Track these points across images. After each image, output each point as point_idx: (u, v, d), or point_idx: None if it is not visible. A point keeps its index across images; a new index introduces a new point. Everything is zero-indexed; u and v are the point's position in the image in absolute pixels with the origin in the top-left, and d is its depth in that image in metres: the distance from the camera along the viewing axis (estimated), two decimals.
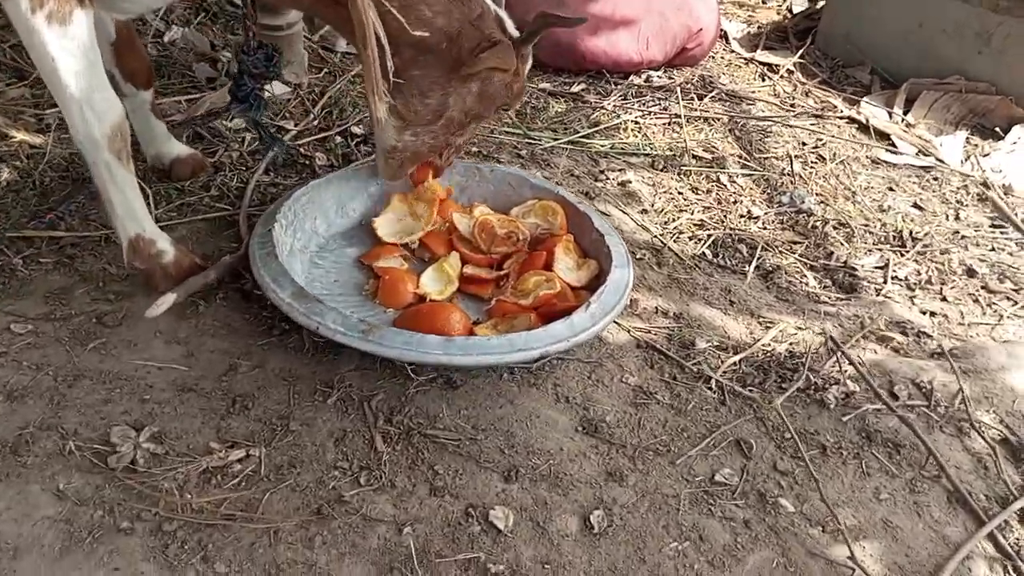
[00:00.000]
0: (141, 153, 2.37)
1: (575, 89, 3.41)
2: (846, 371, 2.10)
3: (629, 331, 2.17)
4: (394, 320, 2.05)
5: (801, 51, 3.87)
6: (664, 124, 3.25)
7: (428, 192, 2.33)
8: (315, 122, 2.78)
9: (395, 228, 2.30)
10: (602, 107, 3.30)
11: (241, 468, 1.67)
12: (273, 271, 1.95)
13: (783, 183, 2.97)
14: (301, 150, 2.62)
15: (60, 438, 1.66)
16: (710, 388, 2.02)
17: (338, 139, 2.72)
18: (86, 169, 2.35)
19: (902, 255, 2.67)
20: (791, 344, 2.18)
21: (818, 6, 4.28)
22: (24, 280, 2.04)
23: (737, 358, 2.10)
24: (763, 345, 2.17)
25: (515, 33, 2.05)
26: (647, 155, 3.03)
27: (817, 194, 2.93)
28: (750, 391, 2.01)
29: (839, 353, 2.12)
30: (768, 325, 2.26)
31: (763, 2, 4.49)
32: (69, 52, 1.71)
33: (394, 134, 2.10)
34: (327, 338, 1.86)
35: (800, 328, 2.25)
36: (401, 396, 1.89)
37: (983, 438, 1.95)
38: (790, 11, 4.37)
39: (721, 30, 3.88)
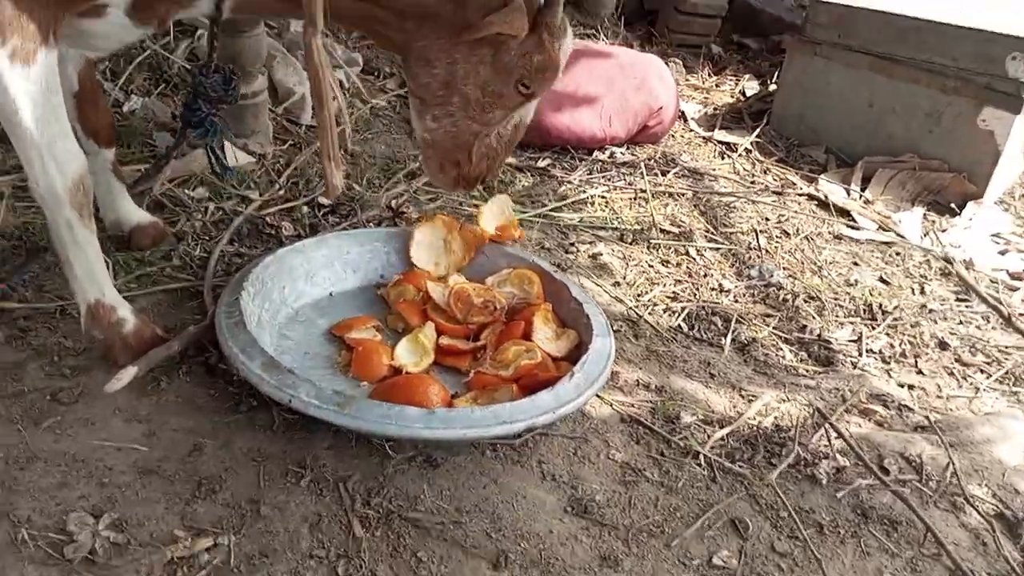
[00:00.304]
0: (100, 219, 2.26)
1: (541, 164, 3.41)
2: (834, 445, 2.06)
3: (612, 404, 2.10)
4: (369, 393, 1.95)
5: (757, 131, 3.95)
6: (630, 198, 3.26)
7: (470, 232, 2.29)
8: (280, 192, 2.71)
9: (429, 253, 2.21)
10: (569, 181, 3.30)
11: (209, 558, 1.54)
12: (241, 342, 1.85)
13: (751, 257, 2.97)
14: (267, 220, 2.54)
15: (12, 526, 1.51)
16: (699, 464, 1.95)
17: (305, 209, 2.65)
18: (40, 238, 2.25)
19: (874, 328, 2.67)
20: (776, 418, 2.14)
21: (769, 89, 4.40)
22: None
23: (724, 432, 2.05)
24: (749, 419, 2.12)
25: None
26: (615, 228, 3.02)
27: (784, 268, 2.94)
28: (740, 467, 1.95)
29: (826, 426, 2.08)
30: (751, 398, 2.22)
31: (716, 85, 4.60)
32: (31, 96, 1.62)
33: (417, 121, 2.00)
34: (300, 412, 1.75)
35: (783, 401, 2.21)
36: (379, 476, 1.78)
37: (979, 513, 1.91)
38: (743, 94, 4.48)
39: (679, 110, 3.95)
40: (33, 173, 1.69)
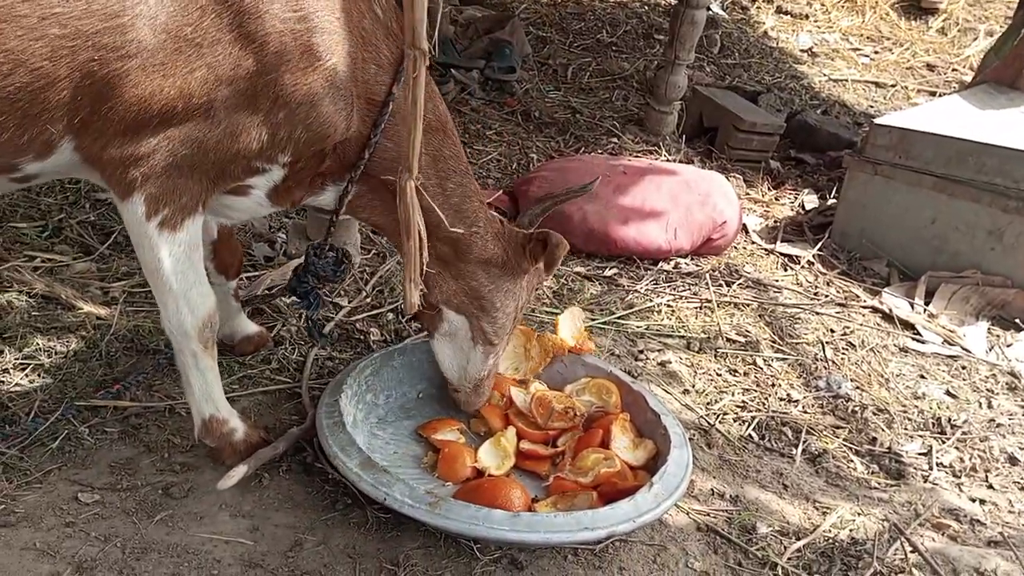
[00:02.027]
0: None
1: (608, 273, 3.54)
2: (910, 559, 2.08)
3: (688, 513, 2.16)
4: (454, 494, 2.04)
5: (819, 244, 4.05)
6: (696, 308, 3.36)
7: (548, 340, 2.47)
8: (367, 299, 2.88)
9: (509, 359, 2.36)
10: (635, 290, 3.42)
11: None
12: (340, 441, 1.98)
13: (817, 368, 3.04)
14: (356, 326, 2.70)
15: None
16: (776, 575, 1.99)
17: (390, 316, 2.81)
18: (151, 341, 2.43)
19: (943, 442, 2.70)
20: (851, 531, 2.18)
21: (829, 203, 4.52)
22: (90, 449, 2.05)
23: (801, 544, 2.09)
24: (824, 531, 2.16)
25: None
26: (682, 337, 3.11)
27: (852, 379, 2.99)
28: None
29: (902, 540, 2.11)
30: (825, 510, 2.26)
31: (776, 199, 4.74)
32: (174, 255, 1.81)
33: (481, 362, 2.20)
34: (393, 510, 1.85)
35: (857, 514, 2.25)
36: None
37: None
38: (802, 207, 4.60)
39: (742, 224, 4.08)
40: (167, 313, 1.88)
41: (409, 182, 1.73)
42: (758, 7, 7.03)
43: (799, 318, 3.39)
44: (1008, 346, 3.35)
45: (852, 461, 2.53)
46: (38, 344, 2.37)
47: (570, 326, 2.56)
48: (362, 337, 2.67)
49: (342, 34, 1.77)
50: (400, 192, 1.74)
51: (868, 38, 7.07)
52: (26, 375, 2.26)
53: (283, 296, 2.50)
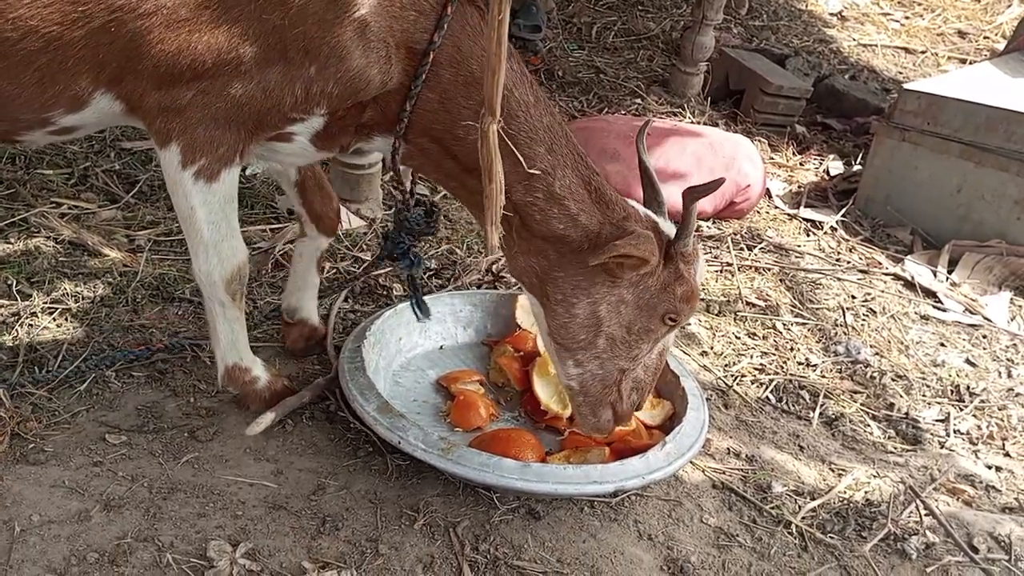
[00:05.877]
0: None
1: None
2: (924, 521, 2.10)
3: (704, 471, 2.18)
4: (470, 442, 2.07)
5: (843, 210, 4.02)
6: (717, 271, 3.36)
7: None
8: None
9: (532, 316, 2.16)
10: None
11: None
12: (360, 385, 2.01)
13: (837, 333, 3.03)
14: (379, 281, 2.72)
15: (157, 550, 1.67)
16: (790, 533, 2.02)
17: None
18: (176, 289, 2.46)
19: (961, 409, 2.70)
20: (866, 492, 2.19)
21: (854, 169, 4.47)
22: (117, 393, 2.09)
23: (815, 504, 2.11)
24: (839, 492, 2.17)
25: (670, 232, 1.93)
26: (702, 299, 3.11)
27: (871, 346, 2.99)
28: (831, 538, 2.01)
29: (917, 503, 2.13)
30: (840, 472, 2.27)
31: (801, 164, 4.70)
32: (208, 205, 1.81)
33: (561, 370, 1.98)
34: (407, 454, 1.88)
35: (873, 476, 2.26)
36: (485, 524, 1.89)
37: None
38: (827, 173, 4.56)
39: (766, 188, 4.05)
40: (197, 262, 1.88)
41: (492, 126, 1.68)
42: None
43: (820, 283, 3.38)
44: None
45: (869, 426, 2.54)
46: (65, 289, 2.40)
47: None
48: (384, 292, 2.69)
49: None
50: (482, 136, 1.66)
51: (899, 3, 6.94)
52: (54, 319, 2.30)
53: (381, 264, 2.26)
